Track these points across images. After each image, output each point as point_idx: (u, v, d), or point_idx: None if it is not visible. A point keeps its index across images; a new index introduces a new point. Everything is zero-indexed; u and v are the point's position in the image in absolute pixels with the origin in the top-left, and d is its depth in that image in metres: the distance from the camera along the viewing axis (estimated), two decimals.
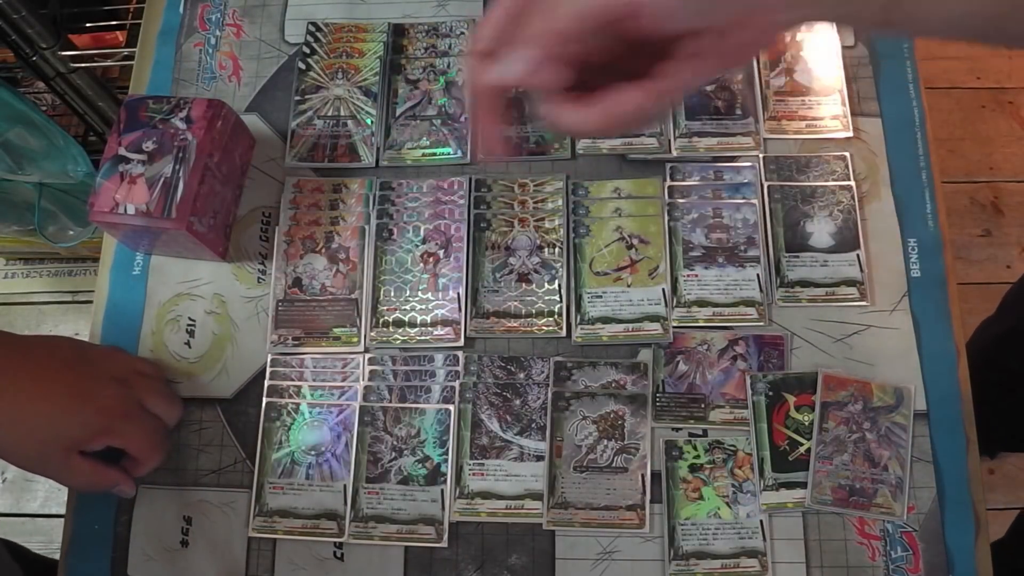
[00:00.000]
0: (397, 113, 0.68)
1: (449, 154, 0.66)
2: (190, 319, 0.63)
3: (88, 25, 1.16)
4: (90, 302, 0.66)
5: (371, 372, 0.61)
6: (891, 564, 0.56)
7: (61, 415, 0.52)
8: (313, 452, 0.59)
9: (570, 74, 0.34)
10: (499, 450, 0.59)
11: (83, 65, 1.07)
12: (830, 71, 0.67)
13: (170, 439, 0.60)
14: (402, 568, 0.57)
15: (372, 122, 0.68)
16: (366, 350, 0.62)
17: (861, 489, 0.57)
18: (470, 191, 0.65)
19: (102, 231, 0.63)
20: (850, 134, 0.66)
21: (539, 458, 0.58)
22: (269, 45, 0.71)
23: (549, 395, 0.59)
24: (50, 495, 1.39)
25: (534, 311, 0.61)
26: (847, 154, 0.65)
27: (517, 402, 0.60)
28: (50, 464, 0.53)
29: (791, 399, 0.59)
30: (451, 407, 0.59)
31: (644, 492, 0.57)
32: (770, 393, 0.59)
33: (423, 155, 0.66)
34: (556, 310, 0.61)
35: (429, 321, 0.62)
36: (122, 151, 0.59)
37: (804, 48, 0.68)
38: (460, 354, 0.61)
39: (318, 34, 0.71)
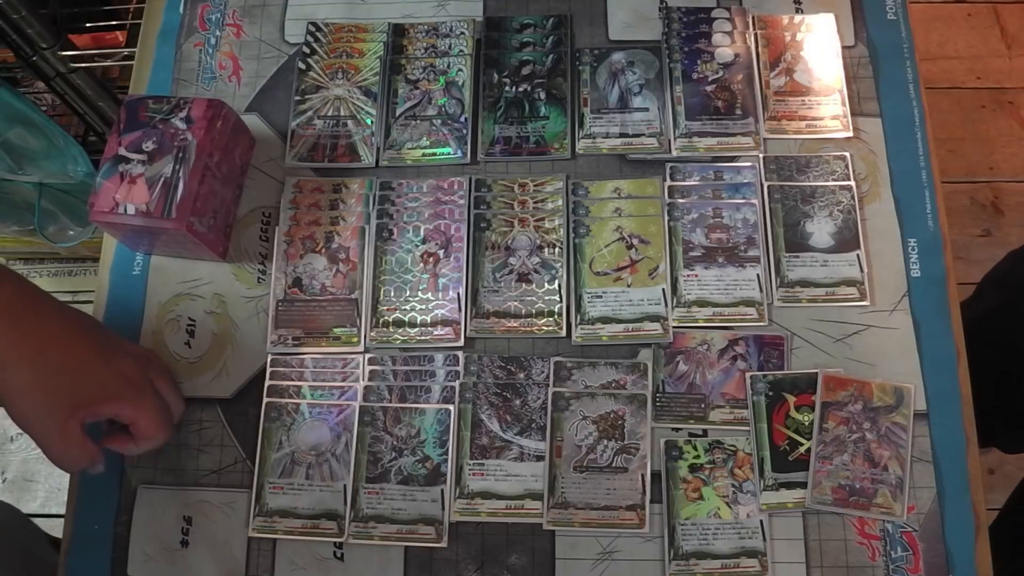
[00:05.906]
0: (397, 113, 0.68)
1: (449, 154, 0.66)
2: (190, 319, 0.63)
3: (88, 25, 1.16)
4: (90, 302, 0.66)
5: (371, 372, 0.61)
6: (891, 564, 0.56)
7: (82, 369, 0.52)
8: (313, 452, 0.59)
9: None
10: (499, 450, 0.59)
11: (83, 65, 1.07)
12: (830, 71, 0.67)
13: (173, 432, 0.59)
14: (402, 568, 0.57)
15: (372, 122, 0.68)
16: (366, 350, 0.62)
17: (861, 489, 0.57)
18: (470, 191, 0.65)
19: (102, 231, 0.63)
20: (850, 134, 0.66)
21: (539, 458, 0.58)
22: (269, 45, 0.71)
23: (549, 395, 0.59)
24: (50, 495, 1.39)
25: (534, 311, 0.61)
26: (847, 154, 0.65)
27: (517, 402, 0.60)
28: (49, 420, 0.51)
29: (791, 399, 0.59)
30: (451, 407, 0.59)
31: (644, 492, 0.57)
32: (770, 393, 0.59)
33: (423, 155, 0.66)
34: (556, 310, 0.61)
35: (429, 321, 0.61)
36: (122, 151, 0.59)
37: (804, 48, 0.68)
38: (460, 354, 0.61)
39: (318, 34, 0.71)
